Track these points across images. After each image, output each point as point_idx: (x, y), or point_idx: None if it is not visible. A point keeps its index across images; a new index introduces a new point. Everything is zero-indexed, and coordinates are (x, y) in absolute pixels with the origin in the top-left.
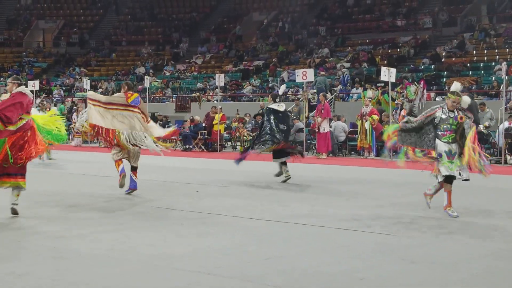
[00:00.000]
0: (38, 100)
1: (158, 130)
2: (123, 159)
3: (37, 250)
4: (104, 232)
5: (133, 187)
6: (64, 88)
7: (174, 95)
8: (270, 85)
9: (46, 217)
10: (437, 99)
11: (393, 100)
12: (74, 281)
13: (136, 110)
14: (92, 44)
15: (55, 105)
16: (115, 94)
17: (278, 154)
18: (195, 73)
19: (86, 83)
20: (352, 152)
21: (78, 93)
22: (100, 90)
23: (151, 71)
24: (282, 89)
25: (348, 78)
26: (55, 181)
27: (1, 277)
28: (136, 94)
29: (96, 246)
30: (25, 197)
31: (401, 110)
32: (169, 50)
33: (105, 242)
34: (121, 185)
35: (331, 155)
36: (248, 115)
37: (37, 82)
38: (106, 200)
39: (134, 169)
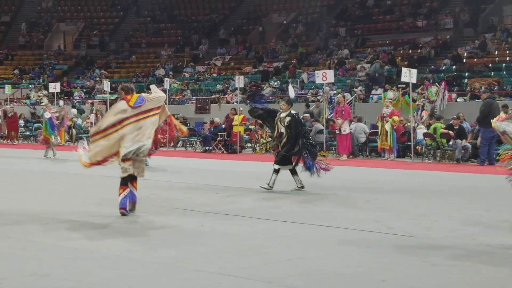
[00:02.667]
0: (61, 102)
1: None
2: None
3: (57, 251)
4: (124, 233)
5: (132, 199)
6: (84, 90)
7: (194, 97)
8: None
9: (65, 217)
10: (458, 100)
11: (414, 101)
12: (94, 282)
13: (142, 115)
14: (112, 46)
15: (73, 107)
16: (115, 106)
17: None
18: (215, 75)
19: (106, 85)
20: (373, 154)
21: (98, 95)
22: None
23: (170, 72)
24: (292, 92)
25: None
26: (74, 181)
27: (24, 278)
28: (136, 95)
29: (116, 247)
30: (42, 197)
31: (422, 111)
32: (189, 52)
33: (125, 243)
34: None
35: (351, 156)
36: None
37: (58, 84)
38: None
39: (133, 178)
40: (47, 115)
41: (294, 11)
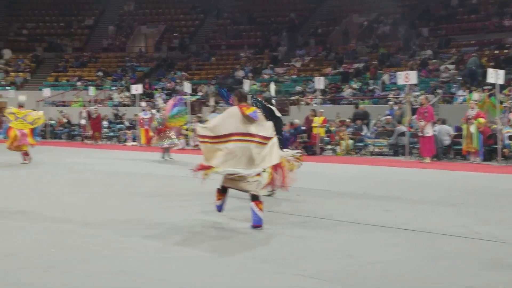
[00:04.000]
0: (144, 104)
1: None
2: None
3: (143, 251)
4: (207, 235)
5: (256, 223)
6: (165, 92)
7: (273, 99)
8: (370, 87)
9: (150, 217)
10: None
11: (501, 103)
12: (178, 281)
13: (256, 139)
14: (192, 48)
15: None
16: (227, 112)
17: None
18: (294, 76)
19: (186, 86)
20: (458, 157)
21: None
22: (200, 93)
23: (250, 74)
24: (272, 89)
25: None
26: (158, 182)
27: (110, 276)
28: (253, 108)
29: (200, 247)
30: (126, 197)
31: (509, 113)
32: (268, 54)
33: (209, 243)
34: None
35: (435, 159)
36: (349, 119)
37: (140, 86)
38: (207, 203)
39: (255, 198)
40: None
41: (375, 11)
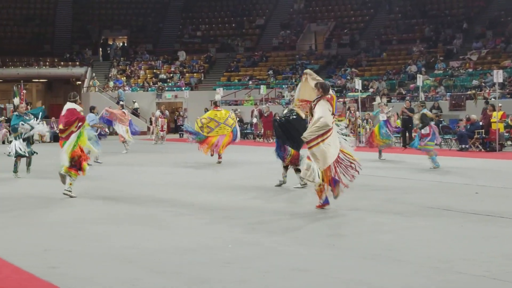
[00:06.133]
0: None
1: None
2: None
3: (315, 248)
4: (380, 231)
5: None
6: (336, 89)
7: (448, 93)
8: None
9: (321, 215)
10: None
11: None
12: (352, 278)
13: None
14: (363, 44)
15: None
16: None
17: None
18: (470, 70)
19: (357, 83)
20: None
21: (349, 94)
22: (371, 90)
23: (423, 69)
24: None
25: None
26: None
27: (285, 272)
28: (334, 98)
29: (373, 245)
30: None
31: None
32: (442, 47)
33: (384, 242)
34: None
35: None
36: None
37: None
38: (387, 200)
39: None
40: (383, 117)
41: None
